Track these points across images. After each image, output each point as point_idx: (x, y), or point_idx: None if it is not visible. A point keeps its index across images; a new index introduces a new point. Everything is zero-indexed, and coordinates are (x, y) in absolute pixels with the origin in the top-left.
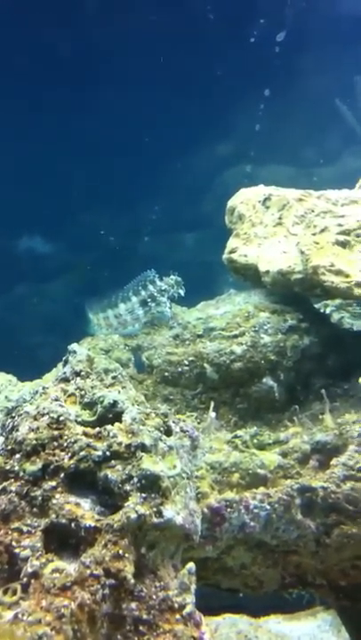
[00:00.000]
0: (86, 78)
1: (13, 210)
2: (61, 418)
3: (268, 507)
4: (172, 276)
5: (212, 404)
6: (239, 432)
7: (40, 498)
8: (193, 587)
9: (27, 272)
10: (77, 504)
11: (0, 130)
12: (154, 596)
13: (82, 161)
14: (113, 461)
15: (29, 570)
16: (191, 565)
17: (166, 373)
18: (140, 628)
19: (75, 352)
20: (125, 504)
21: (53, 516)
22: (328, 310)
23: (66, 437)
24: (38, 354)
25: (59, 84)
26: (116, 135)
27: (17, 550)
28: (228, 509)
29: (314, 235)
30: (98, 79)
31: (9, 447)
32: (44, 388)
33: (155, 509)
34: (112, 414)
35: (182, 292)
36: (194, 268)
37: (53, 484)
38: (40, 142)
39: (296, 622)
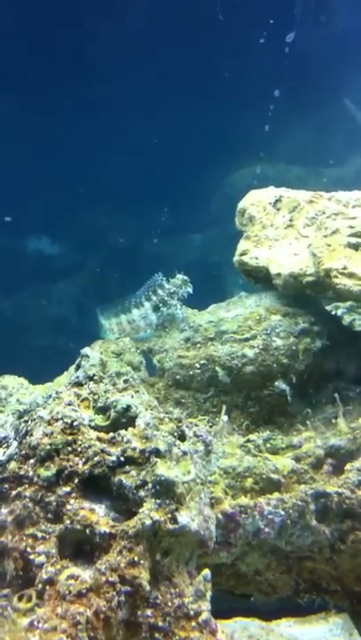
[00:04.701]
0: (96, 79)
1: (21, 211)
2: (75, 423)
3: (282, 512)
4: (178, 276)
5: (224, 408)
6: (252, 436)
7: (54, 503)
8: (209, 594)
9: (34, 273)
10: (92, 510)
11: (10, 130)
12: (169, 603)
13: (90, 162)
14: (127, 467)
15: (44, 576)
16: (207, 572)
17: (178, 377)
18: (156, 635)
19: (87, 356)
20: (140, 510)
21: (68, 521)
22: (339, 312)
23: (80, 442)
24: (46, 355)
25: (68, 84)
26: (125, 136)
27: (32, 556)
28: (243, 515)
29: (325, 237)
30: (107, 80)
31: (23, 452)
32: (57, 392)
33: (169, 515)
34: (126, 419)
35: (190, 290)
36: (202, 270)
37: (68, 489)
38: (48, 143)
39: (308, 626)
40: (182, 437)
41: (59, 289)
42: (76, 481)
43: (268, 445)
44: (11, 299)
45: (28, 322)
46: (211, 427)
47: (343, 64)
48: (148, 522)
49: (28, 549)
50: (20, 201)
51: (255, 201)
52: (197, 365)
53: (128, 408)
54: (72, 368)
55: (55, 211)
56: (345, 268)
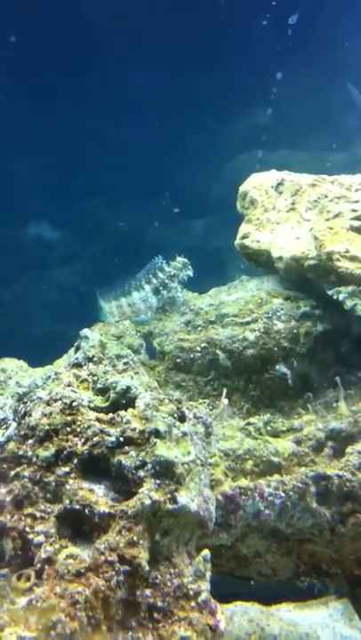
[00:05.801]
0: (94, 64)
1: (21, 196)
2: (74, 403)
3: (282, 494)
4: (178, 259)
5: (225, 391)
6: (252, 419)
7: (53, 483)
8: (208, 574)
9: (34, 259)
10: (91, 490)
11: (9, 117)
12: (168, 583)
13: (91, 147)
14: (127, 447)
15: (43, 556)
16: (206, 553)
17: (178, 360)
18: (155, 615)
19: (87, 337)
20: (139, 490)
21: (67, 501)
22: (341, 297)
23: (79, 423)
24: (46, 341)
25: (64, 70)
26: (126, 121)
27: (30, 536)
28: (243, 497)
29: (328, 220)
30: (106, 64)
31: (22, 432)
32: (56, 373)
33: (169, 496)
34: (125, 400)
35: (191, 273)
36: (204, 254)
37: (67, 469)
38: (48, 129)
39: (308, 611)
40: (182, 419)
41: (59, 275)
42: (75, 461)
43: (269, 428)
44: (11, 285)
45: (27, 308)
46: (211, 410)
47: (346, 48)
48: (147, 502)
49: (27, 529)
50: (20, 186)
51: (257, 184)
52: (198, 348)
53: (128, 389)
54: (72, 350)
55: (56, 196)
56: (347, 252)
